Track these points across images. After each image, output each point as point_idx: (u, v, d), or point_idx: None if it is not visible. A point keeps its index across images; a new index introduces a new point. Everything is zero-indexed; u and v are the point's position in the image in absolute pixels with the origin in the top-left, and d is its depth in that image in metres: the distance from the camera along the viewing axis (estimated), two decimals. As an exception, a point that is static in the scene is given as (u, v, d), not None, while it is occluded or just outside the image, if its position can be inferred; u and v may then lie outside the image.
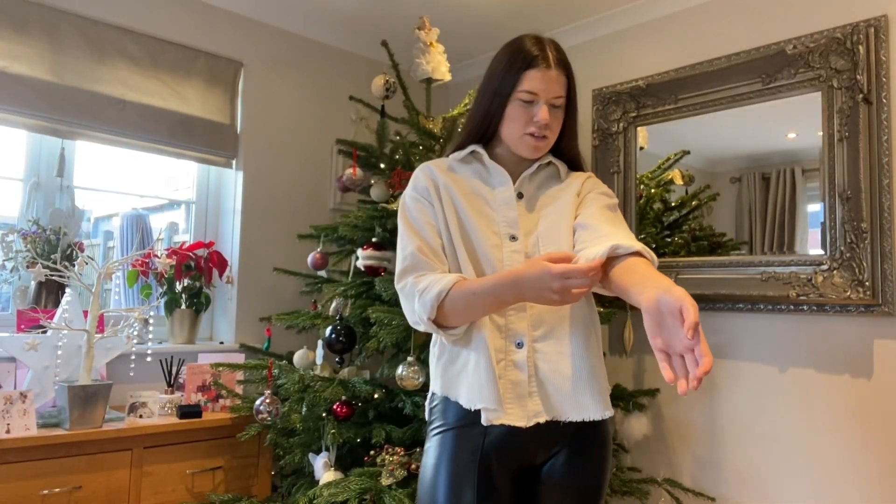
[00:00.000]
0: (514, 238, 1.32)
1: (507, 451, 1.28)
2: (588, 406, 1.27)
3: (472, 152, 1.40)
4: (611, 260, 1.17)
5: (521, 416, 1.26)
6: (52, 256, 2.34)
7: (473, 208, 1.34)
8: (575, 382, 1.28)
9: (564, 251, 1.21)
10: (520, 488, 1.33)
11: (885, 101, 2.12)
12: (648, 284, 1.04)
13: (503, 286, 1.20)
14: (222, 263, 2.74)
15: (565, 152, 1.43)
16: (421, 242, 1.32)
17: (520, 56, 1.31)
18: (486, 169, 1.39)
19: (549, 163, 1.42)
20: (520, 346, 1.28)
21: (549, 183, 1.42)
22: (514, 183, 1.38)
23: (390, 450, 1.97)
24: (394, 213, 2.24)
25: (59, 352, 2.14)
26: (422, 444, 1.99)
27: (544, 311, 1.30)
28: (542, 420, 1.26)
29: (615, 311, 2.46)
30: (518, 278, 1.17)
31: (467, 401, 1.27)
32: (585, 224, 1.31)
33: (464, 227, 1.33)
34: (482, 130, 1.38)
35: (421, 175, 1.39)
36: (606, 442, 1.35)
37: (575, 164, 1.46)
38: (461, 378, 1.30)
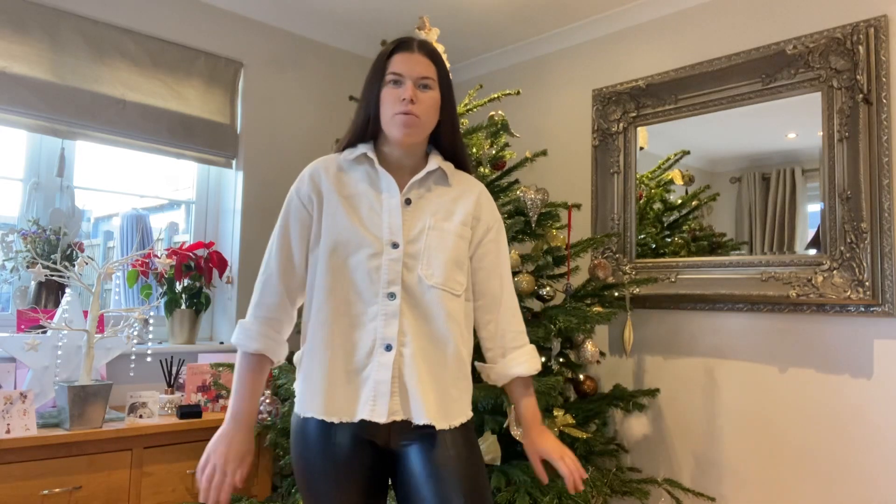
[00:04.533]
0: (395, 245, 1.37)
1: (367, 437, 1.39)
2: (432, 414, 1.35)
3: (364, 154, 1.44)
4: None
5: (383, 412, 1.34)
6: (52, 256, 2.34)
7: (355, 213, 1.39)
8: (423, 389, 1.35)
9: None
10: (374, 459, 1.42)
11: (885, 101, 2.12)
12: (535, 432, 1.47)
13: (231, 406, 1.39)
14: (222, 263, 2.74)
15: (446, 147, 1.48)
16: (285, 261, 1.42)
17: (387, 49, 1.42)
18: (375, 172, 1.43)
19: (437, 168, 1.46)
20: (388, 349, 1.36)
21: (436, 188, 1.46)
22: (401, 188, 1.42)
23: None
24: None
25: (59, 352, 2.14)
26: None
27: (411, 321, 1.37)
28: (398, 418, 1.35)
29: (615, 311, 2.45)
30: (228, 422, 1.38)
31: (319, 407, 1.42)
32: (486, 293, 1.48)
33: (339, 235, 1.38)
34: (365, 124, 1.43)
35: (308, 179, 1.44)
36: (454, 436, 1.39)
37: (459, 161, 1.52)
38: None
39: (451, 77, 1.46)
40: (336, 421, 1.35)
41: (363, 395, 1.35)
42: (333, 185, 1.41)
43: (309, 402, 1.37)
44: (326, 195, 1.41)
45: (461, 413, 1.41)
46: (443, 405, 1.37)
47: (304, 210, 1.42)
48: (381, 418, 1.33)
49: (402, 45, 1.41)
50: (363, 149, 1.43)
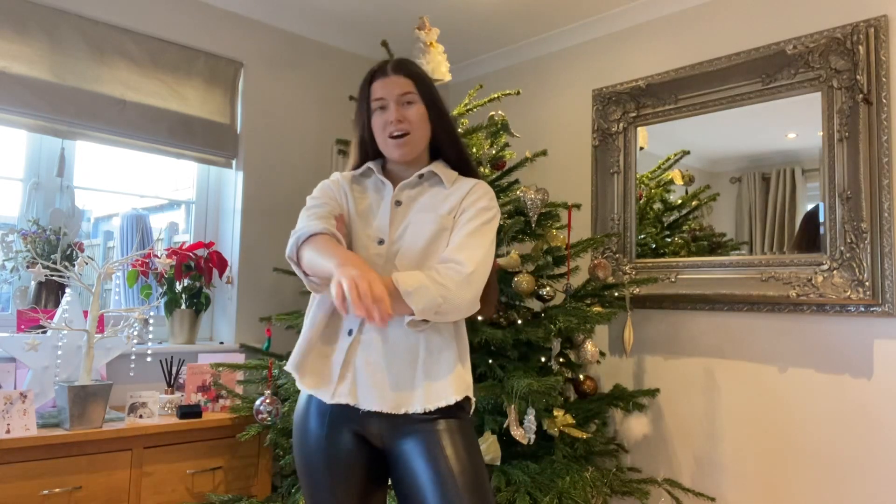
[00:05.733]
0: (381, 242, 1.45)
1: (346, 419, 1.41)
2: (387, 400, 1.37)
3: (369, 167, 1.54)
4: None
5: (328, 393, 1.40)
6: (52, 256, 2.34)
7: (359, 213, 1.49)
8: (380, 377, 1.38)
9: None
10: (371, 459, 1.44)
11: (885, 101, 2.12)
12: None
13: (332, 255, 1.29)
14: (222, 263, 2.74)
15: (451, 158, 1.53)
16: (326, 208, 1.45)
17: (366, 77, 1.50)
18: (381, 182, 1.52)
19: (432, 172, 1.50)
20: (350, 333, 1.41)
21: (430, 191, 1.50)
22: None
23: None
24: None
25: (59, 352, 2.14)
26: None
27: None
28: (342, 402, 1.38)
29: (615, 311, 2.45)
30: (349, 259, 1.27)
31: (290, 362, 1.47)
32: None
33: (350, 228, 1.49)
34: (365, 152, 1.53)
35: (333, 179, 1.56)
36: (451, 435, 1.38)
37: (463, 169, 1.54)
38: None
39: (435, 89, 1.50)
40: (305, 388, 1.42)
41: (323, 374, 1.42)
42: (349, 190, 1.52)
43: (291, 362, 1.44)
44: (346, 192, 1.51)
45: (435, 399, 1.37)
46: (406, 393, 1.37)
47: (333, 191, 1.51)
48: (326, 398, 1.39)
49: (378, 70, 1.49)
50: (369, 164, 1.54)
